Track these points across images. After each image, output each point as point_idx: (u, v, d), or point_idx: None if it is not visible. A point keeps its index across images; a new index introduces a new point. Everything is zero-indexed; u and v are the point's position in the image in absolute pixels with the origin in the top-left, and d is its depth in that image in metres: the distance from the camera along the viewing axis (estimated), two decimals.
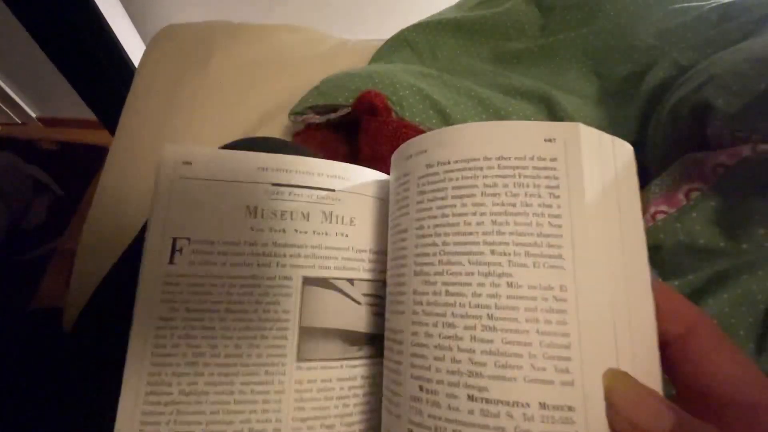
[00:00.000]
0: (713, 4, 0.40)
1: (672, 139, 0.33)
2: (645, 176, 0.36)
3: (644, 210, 0.31)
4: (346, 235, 0.20)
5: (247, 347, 0.18)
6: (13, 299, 0.95)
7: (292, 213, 0.20)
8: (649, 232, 0.30)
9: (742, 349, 0.27)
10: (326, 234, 0.20)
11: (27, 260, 0.99)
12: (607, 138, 0.15)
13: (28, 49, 0.83)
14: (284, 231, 0.19)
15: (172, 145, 0.19)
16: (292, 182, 0.20)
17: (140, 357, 0.17)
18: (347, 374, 0.19)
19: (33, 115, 1.19)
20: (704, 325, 0.13)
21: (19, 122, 1.20)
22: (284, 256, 0.19)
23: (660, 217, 0.30)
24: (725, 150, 0.28)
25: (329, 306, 0.19)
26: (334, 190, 0.20)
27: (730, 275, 0.28)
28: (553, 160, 0.14)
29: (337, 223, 0.20)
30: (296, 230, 0.19)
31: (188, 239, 0.18)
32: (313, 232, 0.20)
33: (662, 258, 0.30)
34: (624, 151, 0.15)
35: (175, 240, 0.18)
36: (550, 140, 0.14)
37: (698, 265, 0.29)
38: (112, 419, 0.17)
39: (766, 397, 0.12)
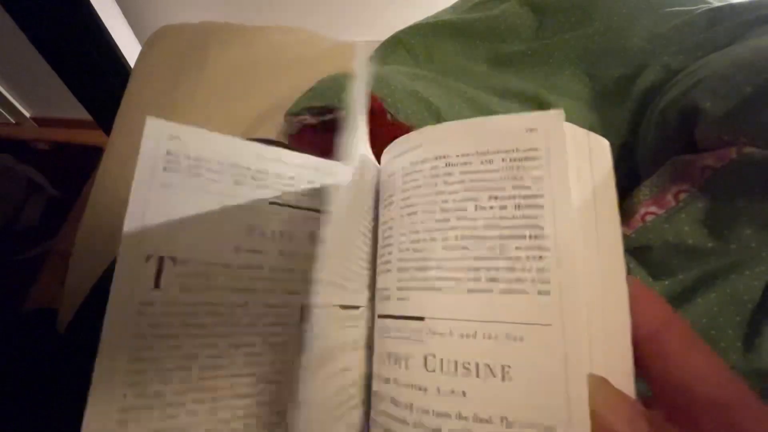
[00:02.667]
0: (703, 9, 0.40)
1: (661, 142, 0.34)
2: (636, 178, 0.36)
3: (634, 211, 0.32)
4: None
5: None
6: (7, 300, 0.95)
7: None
8: (639, 233, 0.31)
9: (730, 348, 0.27)
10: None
11: (21, 261, 0.98)
12: (581, 132, 0.15)
13: (23, 49, 0.82)
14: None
15: (156, 119, 0.16)
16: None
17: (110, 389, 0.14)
18: None
19: (27, 114, 1.18)
20: (677, 323, 0.13)
21: (14, 122, 1.19)
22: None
23: (650, 218, 0.31)
24: (713, 152, 0.29)
25: None
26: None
27: (719, 275, 0.28)
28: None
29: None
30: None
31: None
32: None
33: (652, 258, 0.30)
34: (599, 145, 0.15)
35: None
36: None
37: (687, 265, 0.29)
38: None
39: (738, 396, 0.12)
